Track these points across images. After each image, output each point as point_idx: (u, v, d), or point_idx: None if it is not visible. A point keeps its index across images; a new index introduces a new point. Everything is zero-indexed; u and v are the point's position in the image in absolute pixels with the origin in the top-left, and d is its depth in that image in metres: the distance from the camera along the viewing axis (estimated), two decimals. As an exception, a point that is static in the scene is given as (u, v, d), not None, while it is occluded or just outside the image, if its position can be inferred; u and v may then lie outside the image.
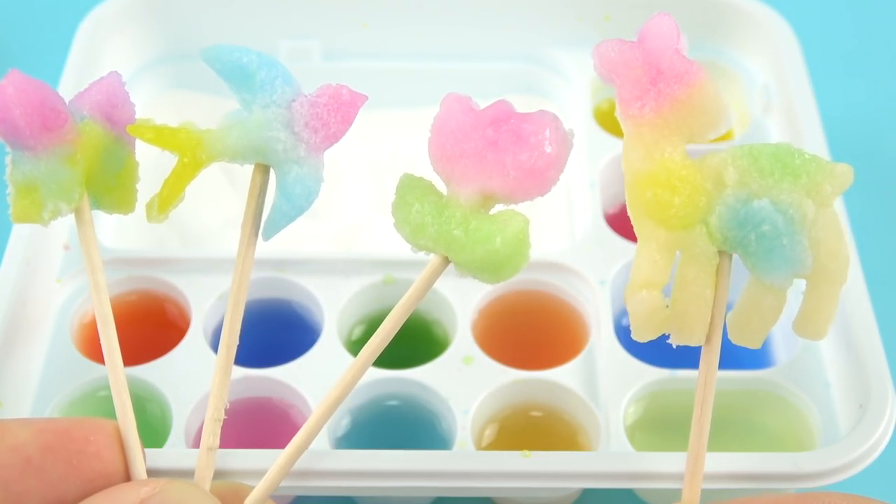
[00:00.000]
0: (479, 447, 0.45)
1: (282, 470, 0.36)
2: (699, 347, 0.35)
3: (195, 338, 0.47)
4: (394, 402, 0.47)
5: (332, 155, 0.37)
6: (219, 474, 0.38)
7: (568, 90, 0.59)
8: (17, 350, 0.46)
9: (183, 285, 0.49)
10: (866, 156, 0.62)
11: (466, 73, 0.61)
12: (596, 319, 0.48)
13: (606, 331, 0.48)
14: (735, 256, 0.35)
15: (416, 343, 0.49)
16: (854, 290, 0.46)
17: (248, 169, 0.38)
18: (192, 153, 0.36)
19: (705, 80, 0.35)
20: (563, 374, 0.47)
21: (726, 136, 0.57)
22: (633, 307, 0.34)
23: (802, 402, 0.46)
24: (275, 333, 0.48)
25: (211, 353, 0.47)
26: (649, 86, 0.35)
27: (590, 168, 0.54)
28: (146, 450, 0.37)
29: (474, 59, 0.61)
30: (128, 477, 0.36)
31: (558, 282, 0.50)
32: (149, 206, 0.37)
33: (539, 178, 0.35)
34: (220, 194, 0.56)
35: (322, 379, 0.46)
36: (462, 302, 0.49)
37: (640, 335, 0.34)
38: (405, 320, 0.36)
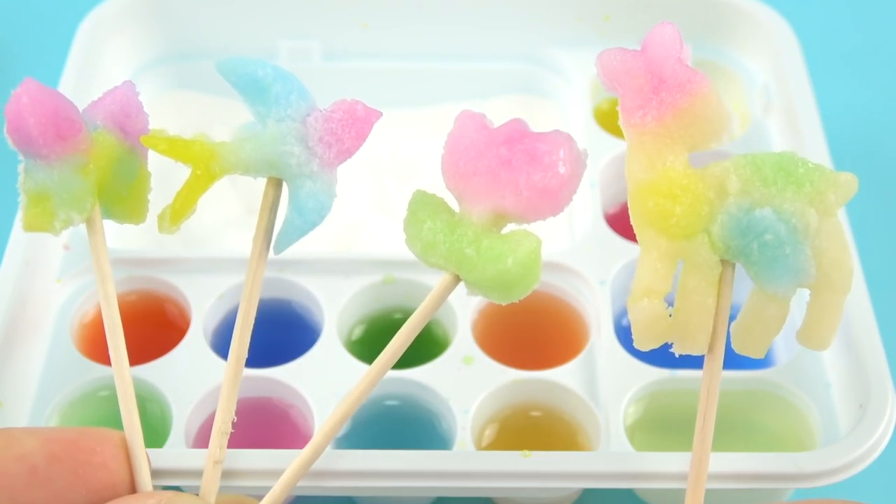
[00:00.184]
0: (479, 447, 0.45)
1: (286, 486, 0.36)
2: (699, 347, 0.35)
3: (195, 338, 0.47)
4: (394, 402, 0.47)
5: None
6: (222, 475, 0.38)
7: (568, 90, 0.59)
8: (17, 350, 0.46)
9: (183, 285, 0.49)
10: (866, 156, 0.62)
11: (466, 73, 0.61)
12: (596, 319, 0.48)
13: (606, 331, 0.48)
14: (738, 266, 0.35)
15: (416, 343, 0.49)
16: (854, 291, 0.46)
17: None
18: (205, 165, 0.36)
19: (708, 89, 0.35)
20: (563, 374, 0.47)
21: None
22: (634, 316, 0.34)
23: (803, 403, 0.46)
24: (275, 333, 0.48)
25: (211, 353, 0.47)
26: (651, 95, 0.35)
27: (590, 168, 0.54)
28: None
29: (474, 59, 0.61)
30: (133, 488, 0.36)
31: (558, 282, 0.50)
32: (161, 217, 0.37)
33: (552, 199, 0.35)
34: (220, 195, 0.56)
35: (322, 379, 0.46)
36: (462, 302, 0.49)
37: (642, 344, 0.34)
38: (414, 337, 0.36)
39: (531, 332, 0.49)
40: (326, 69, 0.60)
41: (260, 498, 0.38)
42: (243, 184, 0.55)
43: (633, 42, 0.59)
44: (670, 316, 0.34)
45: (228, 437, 0.37)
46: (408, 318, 0.50)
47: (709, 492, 0.37)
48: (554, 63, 0.60)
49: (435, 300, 0.36)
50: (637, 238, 0.35)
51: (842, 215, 0.46)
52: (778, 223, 0.33)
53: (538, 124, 0.59)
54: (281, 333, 0.49)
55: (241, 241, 0.54)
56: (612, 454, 0.43)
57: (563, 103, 0.60)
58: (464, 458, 0.42)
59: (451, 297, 0.49)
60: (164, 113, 0.58)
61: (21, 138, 0.36)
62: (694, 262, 0.34)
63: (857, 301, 0.46)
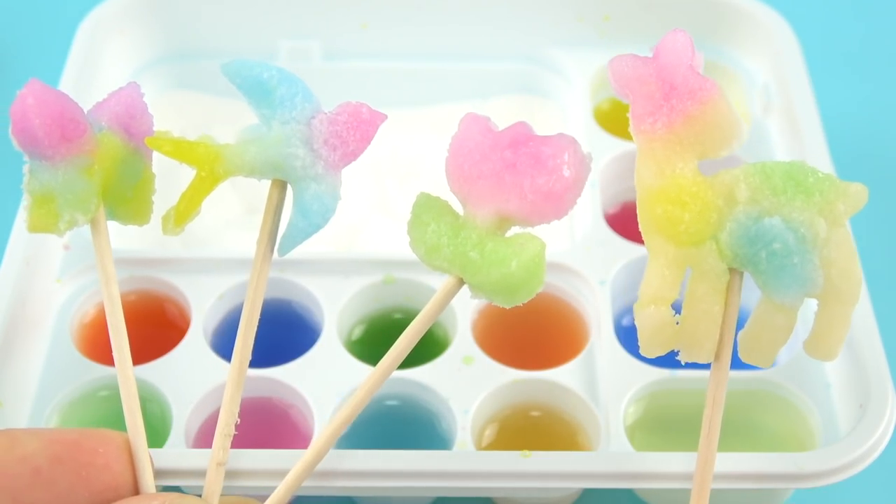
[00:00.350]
0: (479, 447, 0.45)
1: (289, 489, 0.36)
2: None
3: (195, 338, 0.47)
4: (394, 402, 0.47)
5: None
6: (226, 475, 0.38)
7: (568, 90, 0.59)
8: (17, 350, 0.46)
9: (183, 285, 0.49)
10: (866, 156, 0.62)
11: (466, 73, 0.61)
12: (596, 319, 0.48)
13: (606, 331, 0.48)
14: (747, 275, 0.34)
15: (416, 343, 0.49)
16: (854, 291, 0.46)
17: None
18: (210, 167, 0.36)
19: (719, 96, 0.34)
20: (563, 374, 0.47)
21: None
22: (641, 322, 0.34)
23: (803, 403, 0.46)
24: (275, 333, 0.48)
25: (211, 353, 0.47)
26: (662, 101, 0.35)
27: (590, 168, 0.54)
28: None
29: (474, 59, 0.61)
30: (136, 489, 0.36)
31: (558, 282, 0.50)
32: (165, 219, 0.37)
33: (556, 202, 0.35)
34: (221, 195, 0.56)
35: (322, 379, 0.46)
36: (462, 302, 0.49)
37: (648, 350, 0.34)
38: (417, 340, 0.36)
39: (531, 332, 0.49)
40: (326, 69, 0.60)
41: (261, 499, 0.38)
42: (244, 184, 0.55)
43: (633, 42, 0.59)
44: (677, 323, 0.34)
45: (231, 438, 0.37)
46: (408, 318, 0.50)
47: (710, 492, 0.37)
48: (554, 63, 0.60)
49: (439, 303, 0.36)
50: (645, 244, 0.35)
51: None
52: (786, 232, 0.33)
53: (538, 124, 0.59)
54: (281, 333, 0.49)
55: (242, 242, 0.54)
56: (612, 454, 0.43)
57: (563, 103, 0.60)
58: (464, 458, 0.42)
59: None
60: (164, 113, 0.58)
61: (26, 139, 0.36)
62: (702, 270, 0.34)
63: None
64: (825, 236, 0.33)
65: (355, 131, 0.37)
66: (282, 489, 0.36)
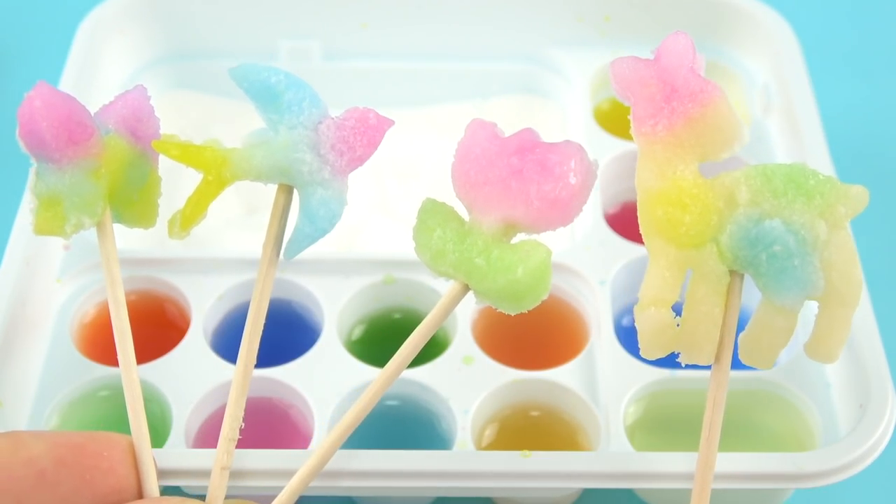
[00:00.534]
0: (479, 447, 0.45)
1: (293, 493, 0.36)
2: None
3: (195, 338, 0.47)
4: (394, 402, 0.47)
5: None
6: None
7: (568, 90, 0.59)
8: (17, 350, 0.46)
9: (183, 285, 0.49)
10: (866, 156, 0.62)
11: (466, 73, 0.61)
12: (596, 319, 0.48)
13: (606, 331, 0.48)
14: (748, 277, 0.34)
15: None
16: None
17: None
18: (217, 172, 0.37)
19: (720, 99, 0.34)
20: (562, 374, 0.47)
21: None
22: (641, 324, 0.34)
23: (803, 403, 0.46)
24: (275, 333, 0.48)
25: (211, 353, 0.47)
26: (663, 104, 0.35)
27: (590, 168, 0.54)
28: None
29: (474, 59, 0.61)
30: (140, 493, 0.36)
31: (558, 282, 0.50)
32: (171, 223, 0.37)
33: (563, 209, 0.35)
34: (221, 195, 0.56)
35: (322, 379, 0.46)
36: (462, 302, 0.48)
37: (649, 352, 0.34)
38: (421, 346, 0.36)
39: (531, 332, 0.49)
40: (326, 69, 0.60)
41: (262, 499, 0.38)
42: (244, 184, 0.54)
43: (633, 42, 0.59)
44: (678, 325, 0.34)
45: (236, 443, 0.37)
46: (408, 318, 0.50)
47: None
48: (554, 63, 0.60)
49: (444, 309, 0.36)
50: (646, 246, 0.35)
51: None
52: (787, 234, 0.33)
53: (538, 124, 0.59)
54: (281, 333, 0.49)
55: (242, 242, 0.54)
56: (612, 454, 0.43)
57: (563, 103, 0.60)
58: (464, 458, 0.42)
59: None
60: (164, 113, 0.58)
61: (33, 142, 0.36)
62: (702, 272, 0.34)
63: (857, 301, 0.46)
64: (826, 239, 0.33)
65: (362, 137, 0.37)
66: (285, 494, 0.36)
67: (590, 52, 0.60)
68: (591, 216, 0.52)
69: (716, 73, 0.59)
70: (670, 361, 0.46)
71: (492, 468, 0.41)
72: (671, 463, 0.41)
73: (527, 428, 0.47)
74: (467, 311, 0.48)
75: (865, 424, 0.42)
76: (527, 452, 0.41)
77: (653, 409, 0.46)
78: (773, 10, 0.58)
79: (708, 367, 0.36)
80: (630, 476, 0.41)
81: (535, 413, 0.47)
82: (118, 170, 0.37)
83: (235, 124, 0.59)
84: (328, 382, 0.46)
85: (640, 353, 0.35)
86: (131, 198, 0.38)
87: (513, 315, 0.36)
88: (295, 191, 0.37)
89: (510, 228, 0.35)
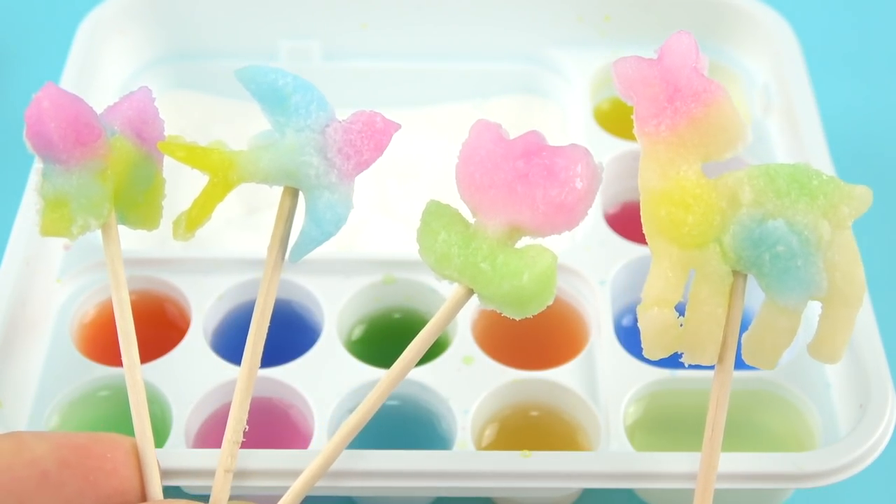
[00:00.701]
0: (479, 447, 0.45)
1: (296, 497, 0.36)
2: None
3: (195, 338, 0.47)
4: (394, 402, 0.47)
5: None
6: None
7: (568, 90, 0.59)
8: (17, 350, 0.46)
9: (183, 285, 0.49)
10: (866, 156, 0.62)
11: (466, 73, 0.61)
12: (596, 319, 0.48)
13: (606, 331, 0.48)
14: (751, 277, 0.34)
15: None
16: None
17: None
18: (223, 174, 0.36)
19: (723, 99, 0.34)
20: (562, 374, 0.47)
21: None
22: (644, 324, 0.34)
23: (803, 403, 0.46)
24: (275, 333, 0.48)
25: (211, 353, 0.47)
26: (666, 103, 0.35)
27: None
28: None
29: (474, 59, 0.61)
30: (144, 495, 0.36)
31: (558, 282, 0.49)
32: (176, 224, 0.37)
33: (568, 214, 0.35)
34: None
35: (322, 379, 0.46)
36: (462, 302, 0.49)
37: (651, 353, 0.34)
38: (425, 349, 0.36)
39: (531, 332, 0.49)
40: (326, 69, 0.60)
41: (263, 499, 0.38)
42: (245, 185, 0.55)
43: (633, 42, 0.59)
44: (681, 326, 0.34)
45: (240, 445, 0.37)
46: (408, 318, 0.50)
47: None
48: (554, 63, 0.60)
49: (448, 313, 0.36)
50: (649, 246, 0.35)
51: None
52: (790, 235, 0.33)
53: (538, 124, 0.59)
54: (281, 333, 0.49)
55: (242, 242, 0.54)
56: (612, 454, 0.43)
57: (563, 103, 0.60)
58: (464, 458, 0.42)
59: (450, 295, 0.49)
60: (164, 113, 0.58)
61: (41, 143, 0.36)
62: (705, 272, 0.34)
63: (857, 301, 0.46)
64: (829, 239, 0.33)
65: (369, 140, 0.37)
66: (288, 497, 0.36)
67: (590, 52, 0.60)
68: (591, 216, 0.52)
69: (716, 73, 0.58)
70: (670, 361, 0.46)
71: (492, 468, 0.41)
72: (671, 463, 0.41)
73: (527, 428, 0.47)
74: (467, 312, 0.48)
75: (865, 424, 0.42)
76: (527, 452, 0.41)
77: (653, 409, 0.46)
78: (773, 10, 0.58)
79: (711, 368, 0.35)
80: (630, 476, 0.41)
81: (534, 413, 0.47)
82: (124, 171, 0.37)
83: (235, 124, 0.59)
84: (328, 382, 0.46)
85: (644, 353, 0.35)
86: (136, 200, 0.38)
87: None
88: (300, 193, 0.37)
89: (515, 232, 0.35)
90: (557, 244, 0.53)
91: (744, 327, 0.35)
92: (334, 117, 0.37)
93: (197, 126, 0.59)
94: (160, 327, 0.49)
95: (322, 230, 0.37)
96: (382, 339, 0.50)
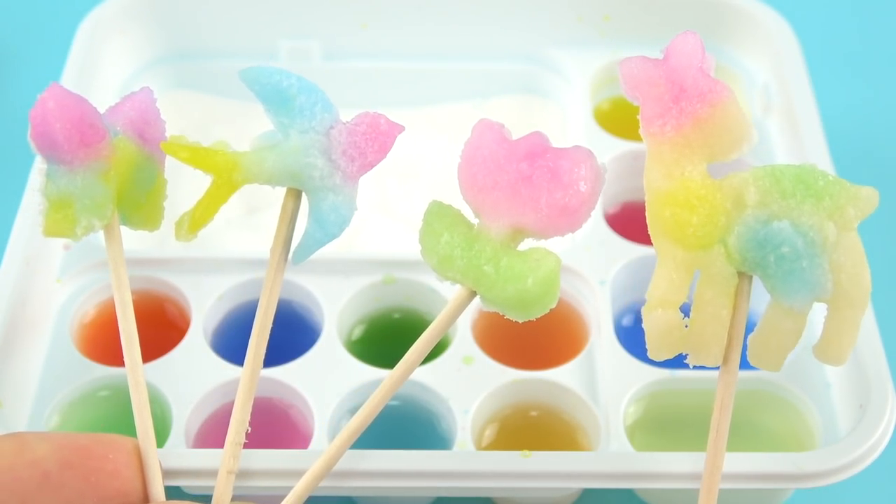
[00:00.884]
0: (479, 447, 0.45)
1: (298, 498, 0.36)
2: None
3: (195, 338, 0.47)
4: (394, 402, 0.47)
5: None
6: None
7: (568, 90, 0.59)
8: (17, 350, 0.46)
9: (183, 285, 0.49)
10: (866, 156, 0.62)
11: (466, 73, 0.61)
12: (596, 319, 0.48)
13: (606, 331, 0.48)
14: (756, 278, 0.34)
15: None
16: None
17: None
18: (227, 175, 0.36)
19: (729, 99, 0.34)
20: (562, 374, 0.47)
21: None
22: (648, 325, 0.34)
23: (803, 403, 0.46)
24: (275, 333, 0.48)
25: (211, 353, 0.47)
26: (671, 104, 0.34)
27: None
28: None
29: (474, 59, 0.61)
30: (146, 496, 0.36)
31: (558, 282, 0.50)
32: (178, 225, 0.37)
33: (572, 217, 0.35)
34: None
35: (322, 379, 0.46)
36: (462, 302, 0.49)
37: (656, 354, 0.34)
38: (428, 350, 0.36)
39: (531, 332, 0.49)
40: (326, 69, 0.60)
41: (264, 499, 0.38)
42: (246, 185, 0.55)
43: (633, 42, 0.59)
44: (686, 327, 0.34)
45: (242, 446, 0.37)
46: (408, 318, 0.50)
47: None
48: (554, 63, 0.60)
49: (450, 315, 0.36)
50: (654, 247, 0.34)
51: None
52: (795, 236, 0.33)
53: (538, 124, 0.59)
54: (281, 333, 0.49)
55: (242, 242, 0.54)
56: (612, 454, 0.43)
57: (563, 103, 0.60)
58: (464, 458, 0.42)
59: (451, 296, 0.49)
60: (164, 113, 0.58)
61: (45, 143, 0.36)
62: (710, 273, 0.34)
63: (857, 301, 0.46)
64: (834, 240, 0.33)
65: (373, 142, 0.37)
66: (290, 498, 0.36)
67: (590, 52, 0.60)
68: (592, 216, 0.52)
69: (715, 73, 0.59)
70: (670, 361, 0.46)
71: (492, 468, 0.41)
72: (671, 463, 0.41)
73: (527, 428, 0.47)
74: (468, 312, 0.48)
75: (865, 424, 0.42)
76: (527, 452, 0.41)
77: (653, 409, 0.46)
78: (773, 10, 0.58)
79: (713, 368, 0.35)
80: (630, 476, 0.41)
81: (534, 413, 0.47)
82: (126, 172, 0.37)
83: (236, 124, 0.59)
84: (328, 382, 0.46)
85: (648, 354, 0.34)
86: (139, 200, 0.38)
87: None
88: (303, 194, 0.37)
89: (518, 234, 0.35)
90: (558, 244, 0.53)
91: (748, 330, 0.35)
92: (338, 119, 0.37)
93: (197, 126, 0.59)
94: (160, 327, 0.49)
95: (326, 232, 0.36)
96: (382, 340, 0.50)
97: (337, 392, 0.46)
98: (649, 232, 0.34)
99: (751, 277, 0.34)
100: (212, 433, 0.46)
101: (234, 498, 0.37)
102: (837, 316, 0.33)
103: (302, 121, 0.36)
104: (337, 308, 0.49)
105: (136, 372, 0.37)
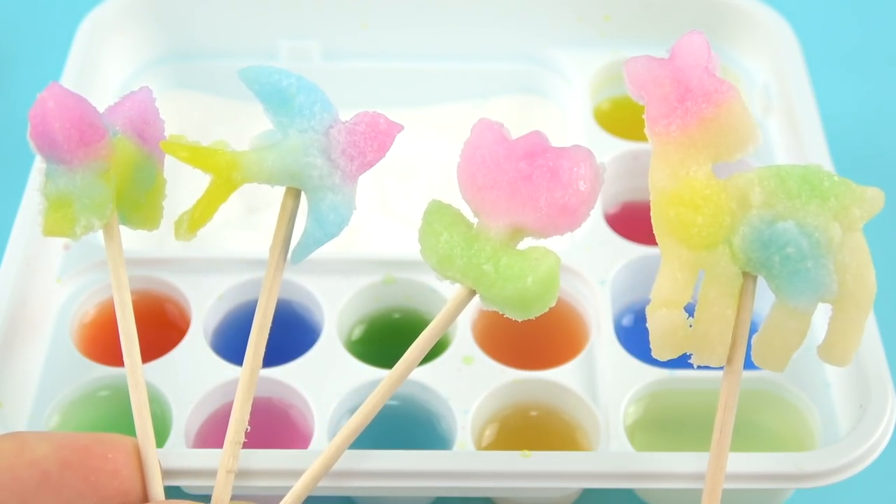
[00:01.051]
0: (479, 447, 0.45)
1: (297, 498, 0.36)
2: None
3: (195, 338, 0.47)
4: (393, 402, 0.47)
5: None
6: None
7: (568, 90, 0.59)
8: (17, 350, 0.46)
9: (183, 285, 0.49)
10: (866, 156, 0.62)
11: (466, 73, 0.61)
12: (596, 319, 0.48)
13: (606, 331, 0.48)
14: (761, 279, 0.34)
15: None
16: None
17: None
18: (227, 175, 0.36)
19: (734, 99, 0.34)
20: (562, 374, 0.47)
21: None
22: (653, 325, 0.34)
23: (803, 403, 0.46)
24: (275, 333, 0.48)
25: (211, 353, 0.47)
26: (677, 103, 0.34)
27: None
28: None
29: (474, 59, 0.61)
30: (145, 496, 0.36)
31: (558, 282, 0.50)
32: (178, 224, 0.37)
33: (572, 216, 0.35)
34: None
35: (322, 379, 0.46)
36: (462, 302, 0.49)
37: (660, 353, 0.34)
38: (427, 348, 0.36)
39: (531, 332, 0.49)
40: (326, 69, 0.60)
41: (264, 499, 0.38)
42: (245, 185, 0.55)
43: (633, 42, 0.59)
44: (690, 326, 0.34)
45: (241, 446, 0.37)
46: (408, 318, 0.50)
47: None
48: (554, 63, 0.60)
49: (450, 314, 0.36)
50: (658, 247, 0.34)
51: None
52: (800, 237, 0.33)
53: (538, 124, 0.59)
54: (281, 333, 0.49)
55: (242, 242, 0.54)
56: (612, 454, 0.43)
57: (563, 103, 0.60)
58: (464, 458, 0.42)
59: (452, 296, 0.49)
60: (164, 113, 0.58)
61: (45, 143, 0.36)
62: (714, 273, 0.34)
63: (857, 301, 0.46)
64: (840, 241, 0.33)
65: (373, 142, 0.37)
66: (289, 498, 0.36)
67: (590, 52, 0.60)
68: (591, 216, 0.52)
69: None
70: (670, 361, 0.46)
71: (492, 468, 0.41)
72: (671, 463, 0.41)
73: (527, 428, 0.47)
74: (468, 312, 0.48)
75: (865, 424, 0.42)
76: (527, 452, 0.41)
77: (653, 409, 0.46)
78: (773, 10, 0.58)
79: (715, 368, 0.35)
80: (630, 476, 0.41)
81: (534, 413, 0.47)
82: (126, 172, 0.37)
83: (236, 124, 0.59)
84: (328, 382, 0.46)
85: (652, 353, 0.34)
86: (138, 200, 0.38)
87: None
88: (302, 194, 0.37)
89: (518, 233, 0.35)
90: (557, 244, 0.53)
91: (751, 330, 0.35)
92: (338, 118, 0.37)
93: (197, 126, 0.59)
94: (160, 327, 0.49)
95: (325, 231, 0.36)
96: (382, 339, 0.50)
97: (337, 392, 0.46)
98: (654, 231, 0.34)
99: (755, 277, 0.34)
100: (211, 433, 0.46)
101: (233, 498, 0.37)
102: (842, 317, 0.33)
103: (301, 120, 0.36)
104: (337, 308, 0.49)
105: (136, 372, 0.37)
